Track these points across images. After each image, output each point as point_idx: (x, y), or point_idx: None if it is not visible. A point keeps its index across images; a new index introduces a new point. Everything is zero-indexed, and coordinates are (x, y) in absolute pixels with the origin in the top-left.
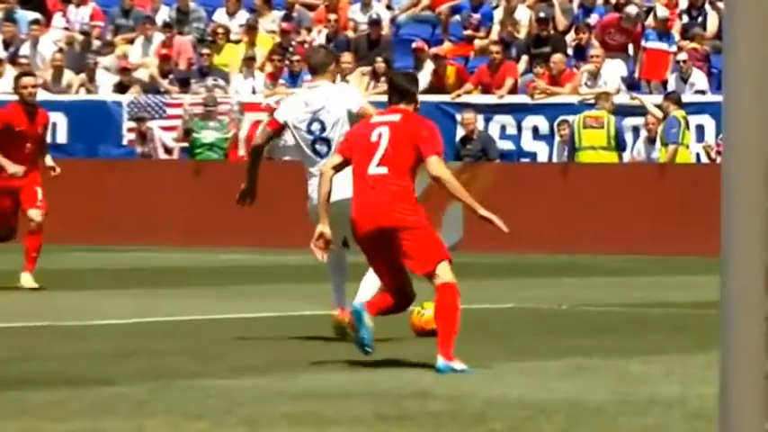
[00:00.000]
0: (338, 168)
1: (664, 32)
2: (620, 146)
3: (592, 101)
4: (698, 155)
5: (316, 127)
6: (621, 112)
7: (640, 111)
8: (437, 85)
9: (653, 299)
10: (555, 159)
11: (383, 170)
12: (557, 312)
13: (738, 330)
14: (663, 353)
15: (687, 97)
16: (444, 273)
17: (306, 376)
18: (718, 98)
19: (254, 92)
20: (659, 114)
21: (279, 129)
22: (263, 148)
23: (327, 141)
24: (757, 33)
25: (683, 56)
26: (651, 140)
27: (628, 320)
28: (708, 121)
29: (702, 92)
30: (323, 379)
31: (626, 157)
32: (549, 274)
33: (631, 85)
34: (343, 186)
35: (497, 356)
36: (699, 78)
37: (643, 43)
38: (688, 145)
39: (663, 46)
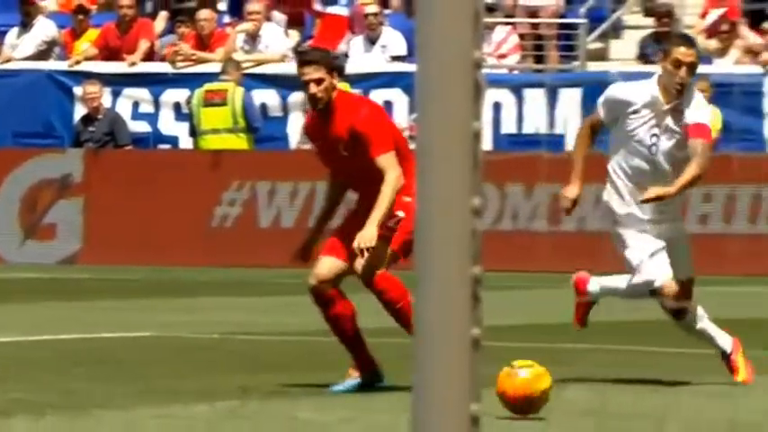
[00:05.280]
0: None
1: None
2: (250, 127)
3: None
4: None
5: None
6: (288, 85)
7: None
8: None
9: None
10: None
11: None
12: (206, 342)
13: (437, 363)
14: (341, 394)
15: (373, 65)
16: None
17: None
18: (411, 67)
19: None
20: None
21: None
22: None
23: None
24: None
25: (372, 8)
26: None
27: (299, 352)
28: (398, 97)
29: (401, 58)
30: None
31: (293, 143)
32: (198, 293)
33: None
34: None
35: (129, 399)
36: (393, 39)
37: (316, 7)
38: None
39: (337, 10)
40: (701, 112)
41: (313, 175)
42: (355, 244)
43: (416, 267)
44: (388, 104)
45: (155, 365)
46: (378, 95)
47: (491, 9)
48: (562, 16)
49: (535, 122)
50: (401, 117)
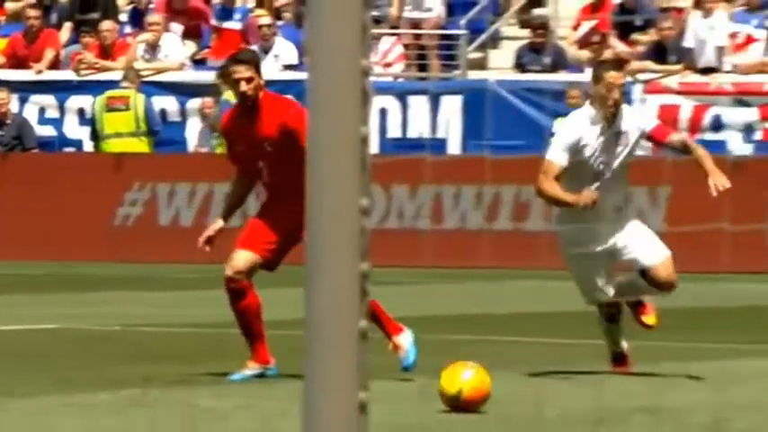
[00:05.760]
0: None
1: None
2: (151, 131)
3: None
4: None
5: None
6: (186, 92)
7: (205, 90)
8: None
9: (225, 318)
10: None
11: None
12: (110, 334)
13: (327, 354)
14: (238, 383)
15: (266, 73)
16: None
17: None
18: (302, 75)
19: None
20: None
21: None
22: None
23: None
24: None
25: (265, 20)
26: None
27: (198, 343)
28: None
29: (293, 66)
30: None
31: (191, 146)
32: (102, 287)
33: (199, 60)
34: None
35: (36, 388)
36: (285, 49)
37: (212, 22)
38: None
39: (232, 25)
40: (641, 116)
41: (210, 176)
42: None
43: (308, 263)
44: None
45: (60, 356)
46: None
47: (377, 21)
48: (443, 28)
49: (419, 127)
50: None
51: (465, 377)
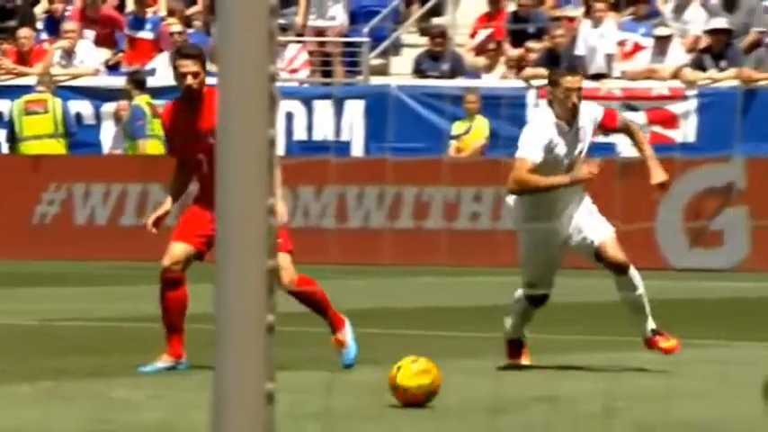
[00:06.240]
0: None
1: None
2: (68, 133)
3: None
4: None
5: None
6: (101, 96)
7: (120, 95)
8: None
9: (138, 312)
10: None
11: None
12: (29, 329)
13: (236, 347)
14: (151, 374)
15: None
16: None
17: None
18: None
19: None
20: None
21: None
22: None
23: None
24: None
25: (176, 27)
26: (126, 131)
27: (113, 337)
28: None
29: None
30: None
31: (105, 148)
32: (21, 283)
33: (113, 65)
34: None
35: None
36: None
37: (126, 31)
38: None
39: (144, 34)
40: (591, 107)
41: (124, 177)
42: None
43: (218, 260)
44: None
45: None
46: None
47: (283, 29)
48: (347, 35)
49: (323, 130)
50: None
51: (413, 368)
